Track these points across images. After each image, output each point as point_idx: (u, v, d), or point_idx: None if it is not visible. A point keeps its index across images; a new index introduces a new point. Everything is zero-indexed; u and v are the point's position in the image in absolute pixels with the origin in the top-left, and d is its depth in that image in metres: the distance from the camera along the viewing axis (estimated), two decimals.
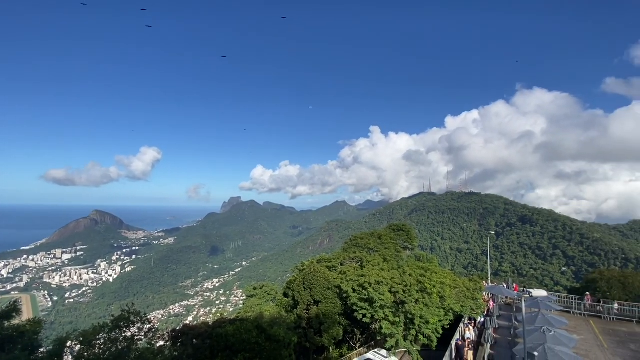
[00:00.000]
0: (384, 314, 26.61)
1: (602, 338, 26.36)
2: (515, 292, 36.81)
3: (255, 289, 41.67)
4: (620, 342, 25.50)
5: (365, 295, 27.85)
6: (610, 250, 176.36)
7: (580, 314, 32.71)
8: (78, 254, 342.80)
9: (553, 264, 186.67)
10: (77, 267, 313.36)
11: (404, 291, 26.87)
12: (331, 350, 32.54)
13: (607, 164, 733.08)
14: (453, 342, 22.87)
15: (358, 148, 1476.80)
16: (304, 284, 32.47)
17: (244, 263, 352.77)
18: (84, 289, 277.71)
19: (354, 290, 29.37)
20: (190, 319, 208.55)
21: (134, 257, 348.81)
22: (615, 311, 31.47)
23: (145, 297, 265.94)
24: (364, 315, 27.91)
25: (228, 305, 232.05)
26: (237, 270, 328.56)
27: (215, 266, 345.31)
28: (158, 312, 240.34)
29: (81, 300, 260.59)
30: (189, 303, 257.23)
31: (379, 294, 26.83)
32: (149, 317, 21.99)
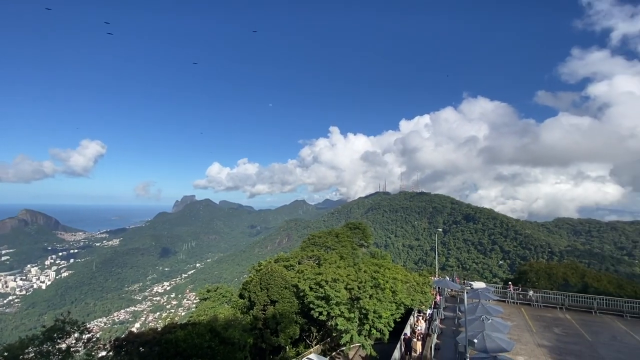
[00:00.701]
0: (339, 310, 27.14)
1: (532, 323, 29.49)
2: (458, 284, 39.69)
3: (209, 291, 40.15)
4: (546, 326, 28.76)
5: (321, 293, 28.17)
6: (538, 245, 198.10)
7: (513, 302, 36.25)
8: (3, 258, 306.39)
9: (492, 258, 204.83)
10: (2, 274, 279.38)
11: (359, 287, 27.60)
12: (287, 349, 32.49)
13: (537, 167, 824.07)
14: (403, 336, 24.10)
15: (318, 148, 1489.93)
16: (260, 284, 32.04)
17: (197, 265, 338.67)
18: (10, 297, 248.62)
19: (311, 289, 29.57)
20: (137, 325, 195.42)
21: (72, 260, 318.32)
22: (540, 298, 35.40)
23: (86, 305, 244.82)
24: (321, 313, 28.21)
25: (180, 309, 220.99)
26: (190, 273, 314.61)
27: (166, 269, 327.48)
28: (100, 320, 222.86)
29: (7, 310, 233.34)
30: (136, 309, 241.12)
31: (335, 291, 27.32)
32: (88, 326, 20.48)
